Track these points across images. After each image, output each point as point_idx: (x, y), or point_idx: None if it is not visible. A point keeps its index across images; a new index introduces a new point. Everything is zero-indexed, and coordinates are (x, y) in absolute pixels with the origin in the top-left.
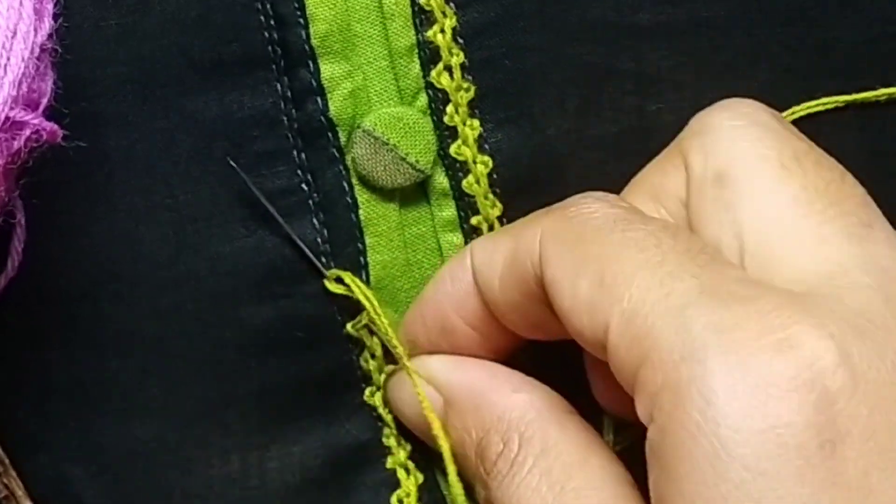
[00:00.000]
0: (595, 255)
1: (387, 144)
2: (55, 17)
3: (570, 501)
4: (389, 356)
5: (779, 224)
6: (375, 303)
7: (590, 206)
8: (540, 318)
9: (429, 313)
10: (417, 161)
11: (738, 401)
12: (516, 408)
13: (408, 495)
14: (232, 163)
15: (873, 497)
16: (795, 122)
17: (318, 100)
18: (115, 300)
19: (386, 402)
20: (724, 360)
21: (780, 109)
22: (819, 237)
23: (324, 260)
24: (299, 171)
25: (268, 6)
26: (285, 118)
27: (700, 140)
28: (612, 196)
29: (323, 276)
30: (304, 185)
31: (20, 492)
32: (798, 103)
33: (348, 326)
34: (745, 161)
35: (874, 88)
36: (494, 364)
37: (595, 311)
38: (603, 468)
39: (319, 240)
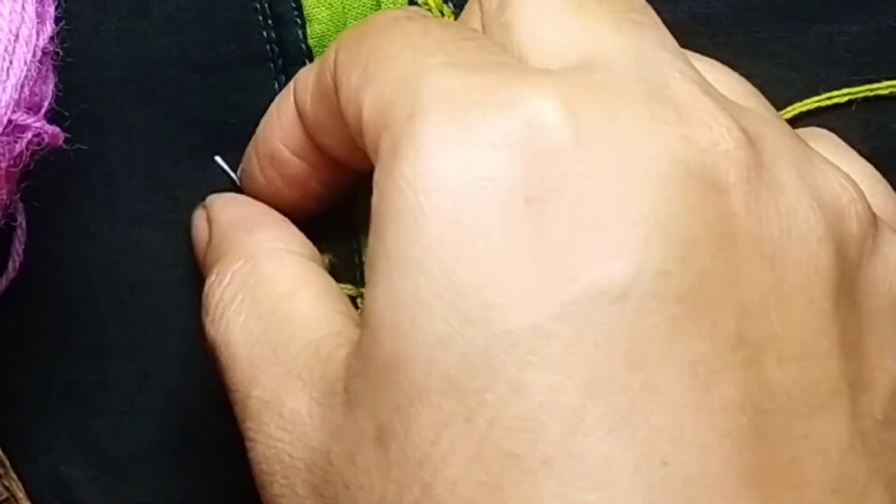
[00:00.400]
0: (367, 48)
1: None
2: (56, 20)
3: (274, 330)
4: None
5: (549, 27)
6: None
7: (383, 13)
8: (349, 137)
9: (260, 147)
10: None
11: (447, 154)
12: (241, 245)
13: None
14: (219, 160)
15: (576, 257)
16: (798, 118)
17: None
18: (115, 303)
19: None
20: (443, 116)
21: (783, 104)
22: (586, 30)
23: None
24: None
25: (266, 6)
26: None
27: None
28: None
29: None
30: None
31: (20, 493)
32: (800, 98)
33: None
34: None
35: (878, 82)
36: (263, 208)
37: (356, 98)
38: (315, 296)
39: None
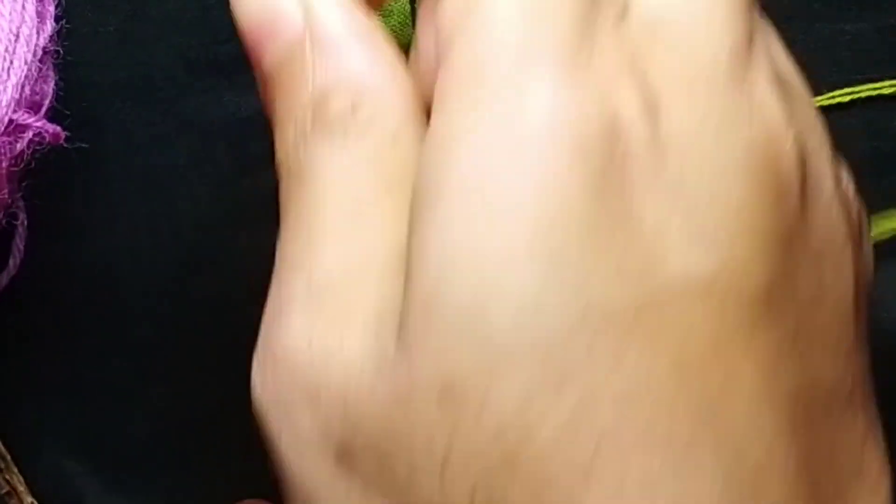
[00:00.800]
0: None
1: None
2: (57, 19)
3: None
4: None
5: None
6: None
7: None
8: None
9: None
10: None
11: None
12: (387, 81)
13: None
14: None
15: (667, 244)
16: None
17: None
18: (114, 303)
19: None
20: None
21: None
22: None
23: None
24: None
25: None
26: None
27: None
28: None
29: None
30: None
31: (21, 488)
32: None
33: None
34: None
35: (880, 81)
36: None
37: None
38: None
39: None
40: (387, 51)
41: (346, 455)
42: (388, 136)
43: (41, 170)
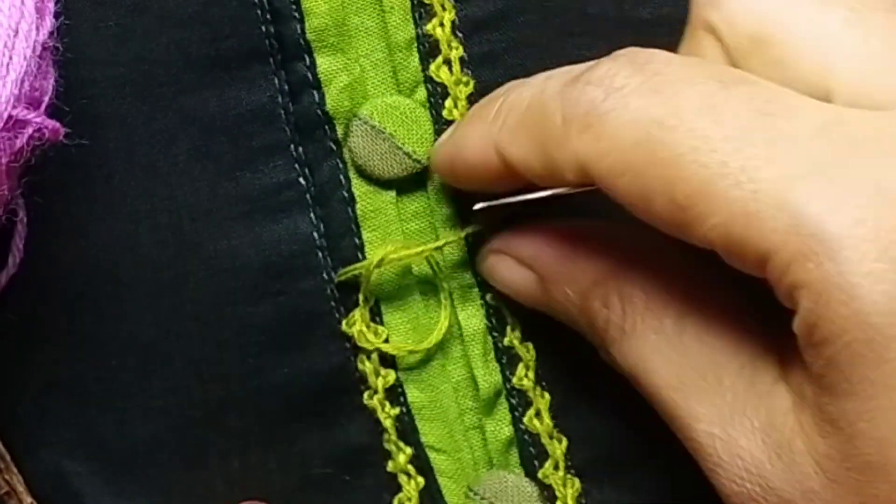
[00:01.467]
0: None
1: (383, 133)
2: (56, 15)
3: (694, 351)
4: (384, 360)
5: (846, 57)
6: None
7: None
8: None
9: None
10: (415, 151)
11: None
12: (606, 267)
13: (409, 499)
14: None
15: None
16: None
17: (315, 93)
18: (114, 301)
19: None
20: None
21: None
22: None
23: (319, 254)
24: (297, 165)
25: (264, 1)
26: (283, 112)
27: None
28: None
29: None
30: (301, 180)
31: (21, 488)
32: None
33: (343, 324)
34: (778, 14)
35: None
36: (573, 221)
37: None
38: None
39: (316, 234)
40: None
41: None
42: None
43: (41, 166)
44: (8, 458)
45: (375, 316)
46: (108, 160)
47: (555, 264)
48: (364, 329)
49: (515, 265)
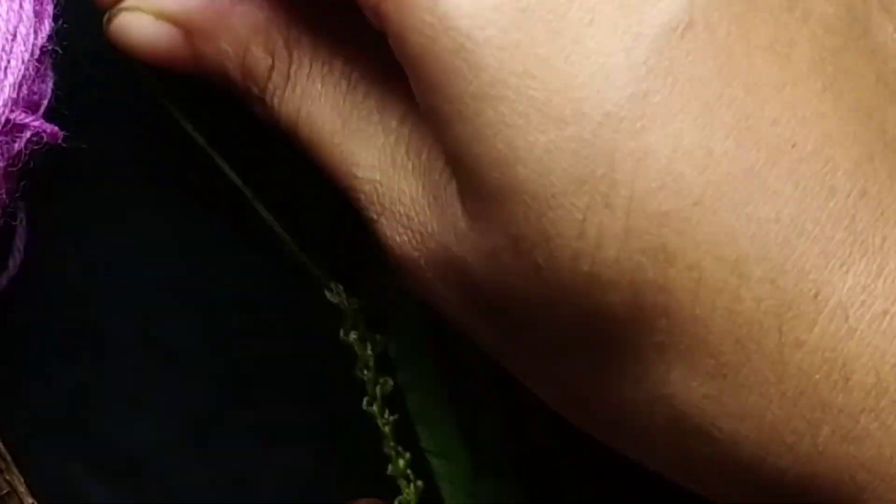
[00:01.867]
0: None
1: None
2: (55, 18)
3: (360, 95)
4: (381, 368)
5: None
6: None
7: None
8: None
9: None
10: None
11: None
12: (269, 14)
13: (409, 503)
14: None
15: (632, 9)
16: None
17: None
18: (116, 301)
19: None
20: None
21: None
22: None
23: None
24: None
25: None
26: None
27: None
28: None
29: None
30: None
31: (22, 488)
32: None
33: (341, 333)
34: None
35: None
36: None
37: None
38: (378, 56)
39: None
40: None
41: None
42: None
43: (42, 168)
44: (8, 458)
45: (374, 324)
46: (111, 161)
47: (209, 15)
48: (356, 339)
49: (153, 21)
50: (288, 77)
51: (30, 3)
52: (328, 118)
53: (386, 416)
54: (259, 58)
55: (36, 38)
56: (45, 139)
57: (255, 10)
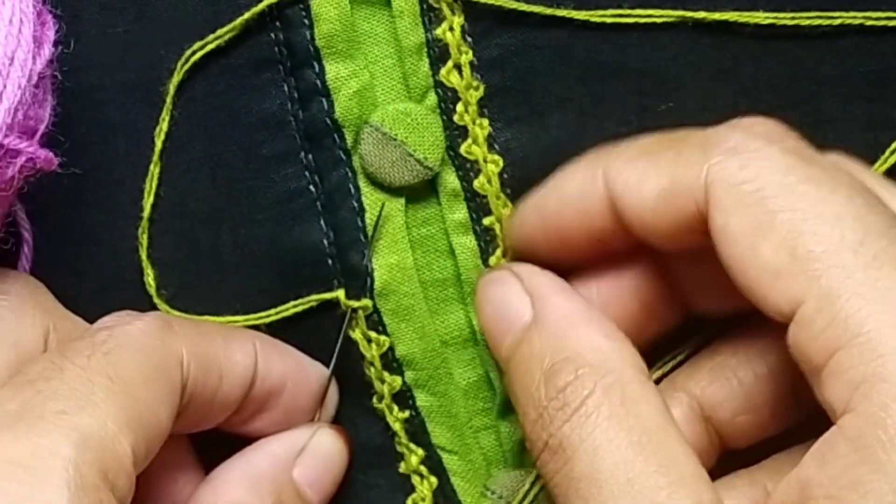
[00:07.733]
0: (781, 219)
1: (394, 140)
2: (56, 43)
3: (651, 458)
4: (387, 367)
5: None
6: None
7: (760, 151)
8: (693, 245)
9: (550, 222)
10: (426, 157)
11: None
12: (601, 353)
13: (423, 499)
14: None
15: None
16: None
17: (324, 101)
18: (124, 306)
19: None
20: None
21: (788, 101)
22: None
23: (330, 262)
24: (307, 173)
25: (272, 8)
26: (292, 119)
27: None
28: (772, 126)
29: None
30: (311, 187)
31: None
32: (806, 92)
33: (350, 332)
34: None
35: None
36: (592, 307)
37: (783, 281)
38: (680, 438)
39: (326, 242)
40: (605, 324)
41: None
42: (618, 399)
43: (49, 174)
44: None
45: (378, 325)
46: (118, 165)
47: (559, 316)
48: (362, 338)
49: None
50: (583, 403)
51: (29, 28)
52: None
53: (395, 413)
54: (565, 370)
55: (34, 63)
56: (38, 165)
57: (593, 338)
